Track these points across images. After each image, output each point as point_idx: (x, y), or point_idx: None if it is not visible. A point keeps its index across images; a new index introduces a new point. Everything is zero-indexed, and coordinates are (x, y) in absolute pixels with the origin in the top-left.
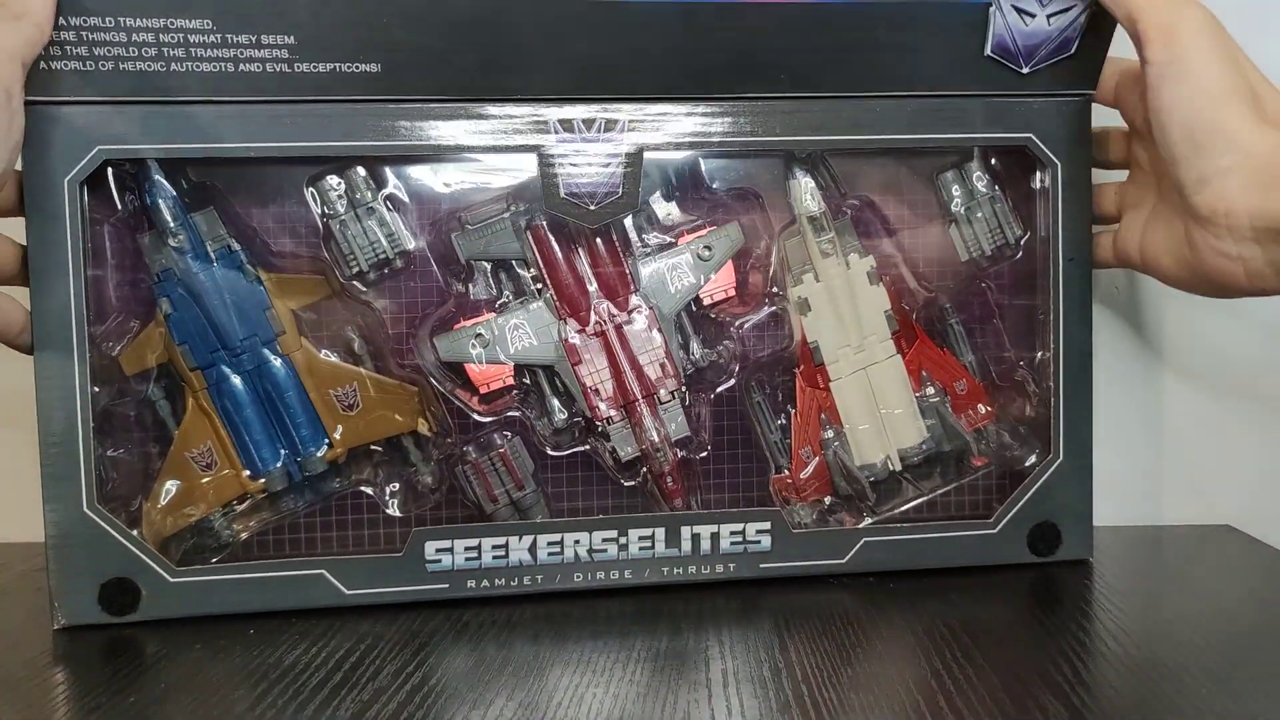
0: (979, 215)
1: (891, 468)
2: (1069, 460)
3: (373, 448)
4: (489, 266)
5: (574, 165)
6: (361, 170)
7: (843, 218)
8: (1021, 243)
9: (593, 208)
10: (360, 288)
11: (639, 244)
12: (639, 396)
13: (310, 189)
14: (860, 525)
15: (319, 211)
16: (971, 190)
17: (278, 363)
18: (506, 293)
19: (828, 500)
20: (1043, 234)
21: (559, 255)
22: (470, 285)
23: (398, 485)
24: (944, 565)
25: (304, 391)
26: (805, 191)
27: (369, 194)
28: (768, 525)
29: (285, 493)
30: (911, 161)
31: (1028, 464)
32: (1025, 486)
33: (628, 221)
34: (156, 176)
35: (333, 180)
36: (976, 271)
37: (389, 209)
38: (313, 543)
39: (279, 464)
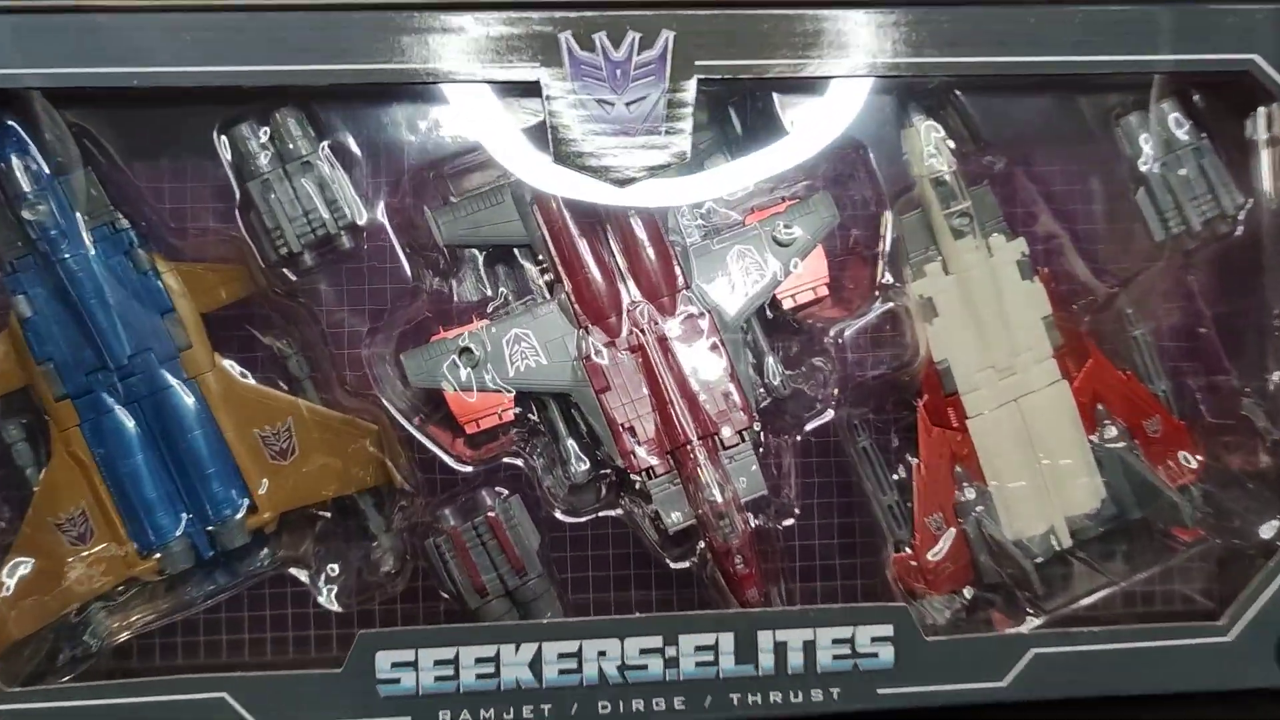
0: (1180, 174)
1: (1057, 545)
2: None
3: (316, 512)
4: (480, 256)
5: (596, 102)
6: (293, 111)
7: (982, 184)
8: (1242, 214)
9: (617, 160)
10: (291, 277)
11: (692, 223)
12: (693, 438)
13: (222, 137)
14: (1024, 629)
15: (233, 168)
16: (1168, 139)
17: (180, 389)
18: (505, 292)
19: (968, 592)
20: (1270, 202)
21: (579, 239)
22: (454, 281)
23: (337, 568)
24: (1156, 690)
25: (217, 430)
26: (928, 144)
27: (304, 144)
28: (888, 629)
29: (188, 575)
30: (1081, 98)
31: (1266, 537)
32: (1273, 568)
33: (676, 191)
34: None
35: (252, 125)
36: (1177, 258)
37: (332, 165)
38: (214, 649)
39: (179, 533)
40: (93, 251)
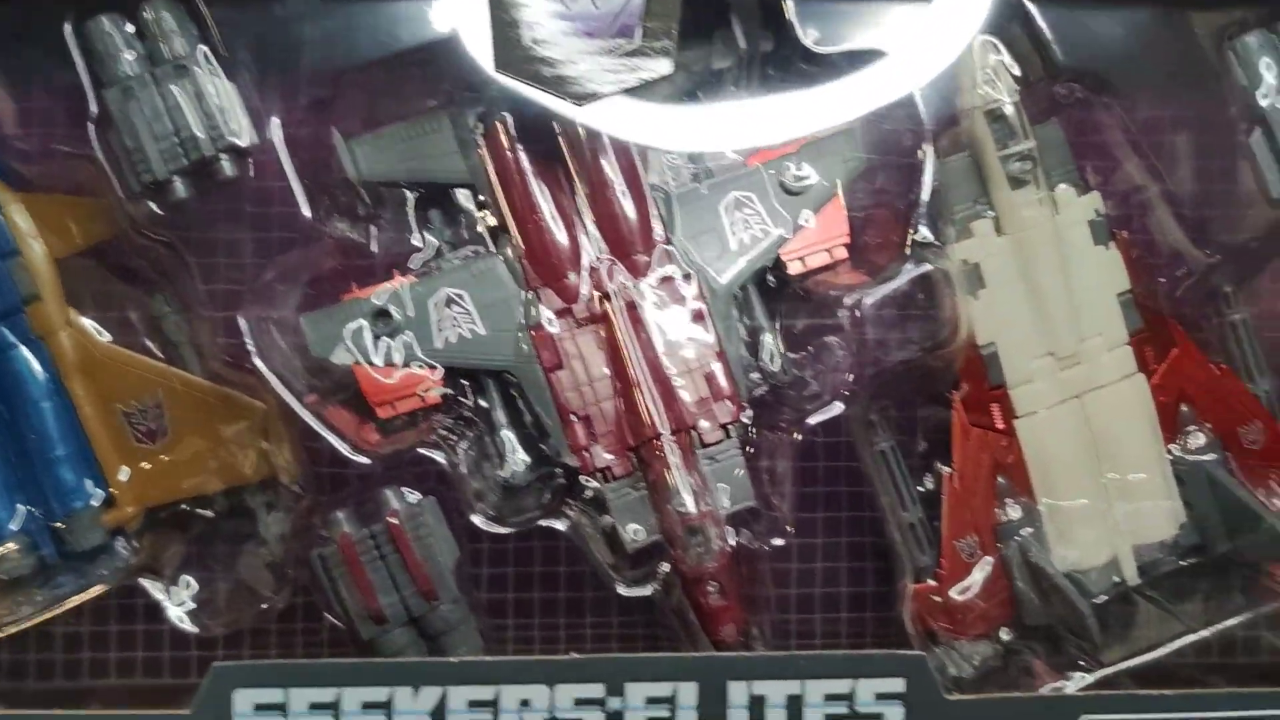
0: None
1: (1121, 580)
2: None
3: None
4: (411, 199)
5: None
6: (168, 2)
7: (1051, 121)
8: None
9: (579, 70)
10: (158, 210)
11: (679, 161)
12: (664, 432)
13: (74, 31)
14: (1070, 686)
15: (89, 73)
16: None
17: (24, 351)
18: (437, 243)
19: (1004, 636)
20: None
21: (533, 179)
22: (372, 228)
23: (192, 580)
24: None
25: (69, 403)
26: (984, 66)
27: (180, 42)
28: (899, 685)
29: (27, 580)
30: (1187, 13)
31: None
32: None
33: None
34: None
35: (115, 19)
36: None
37: (213, 71)
38: (47, 670)
39: (16, 529)
40: None
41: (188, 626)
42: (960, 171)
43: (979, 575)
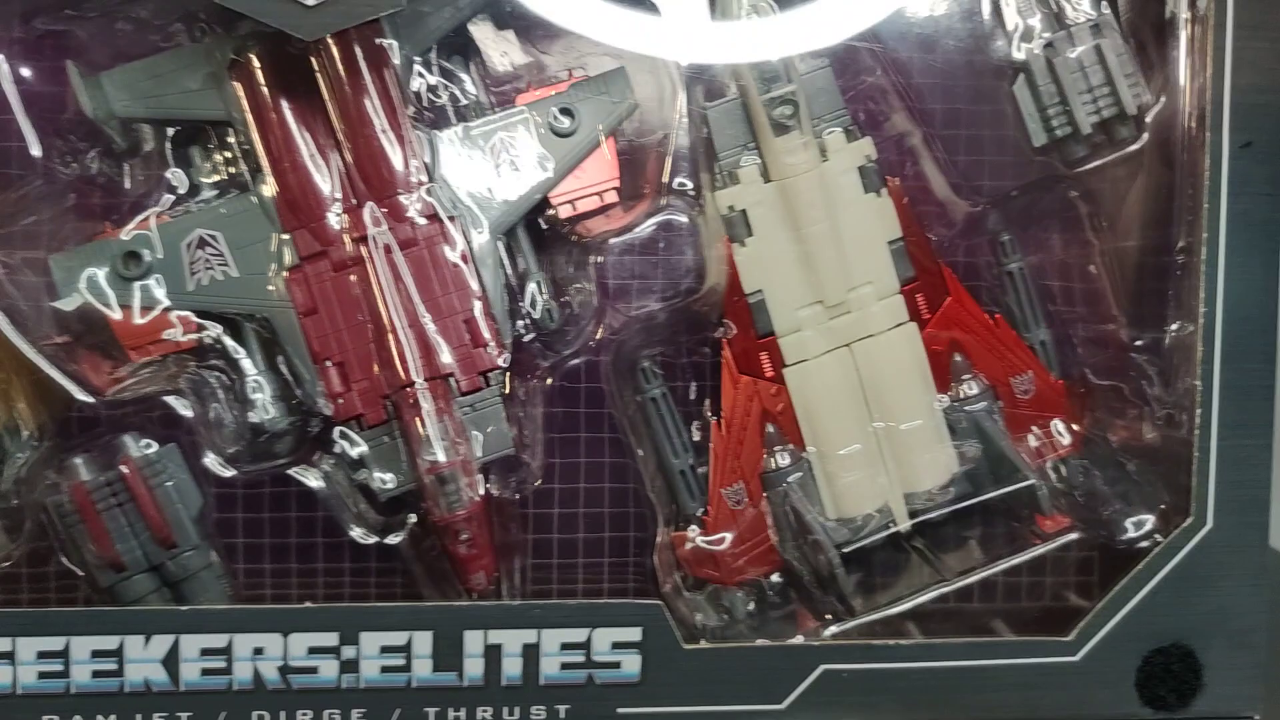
0: (1070, 58)
1: (893, 527)
2: (1225, 528)
3: None
4: (169, 133)
5: None
6: None
7: (819, 64)
8: (1149, 118)
9: (310, 1)
10: None
11: (439, 100)
12: (418, 379)
13: None
14: (822, 636)
15: None
16: (1058, 12)
17: None
18: (194, 180)
19: (775, 579)
20: (1189, 104)
21: (288, 118)
22: (125, 165)
23: None
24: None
25: None
26: (743, 5)
27: None
28: (635, 633)
29: None
30: None
31: (1139, 533)
32: (1137, 577)
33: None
34: None
35: None
36: (1061, 169)
37: None
38: None
39: None
40: None
41: None
42: (726, 115)
43: (746, 525)
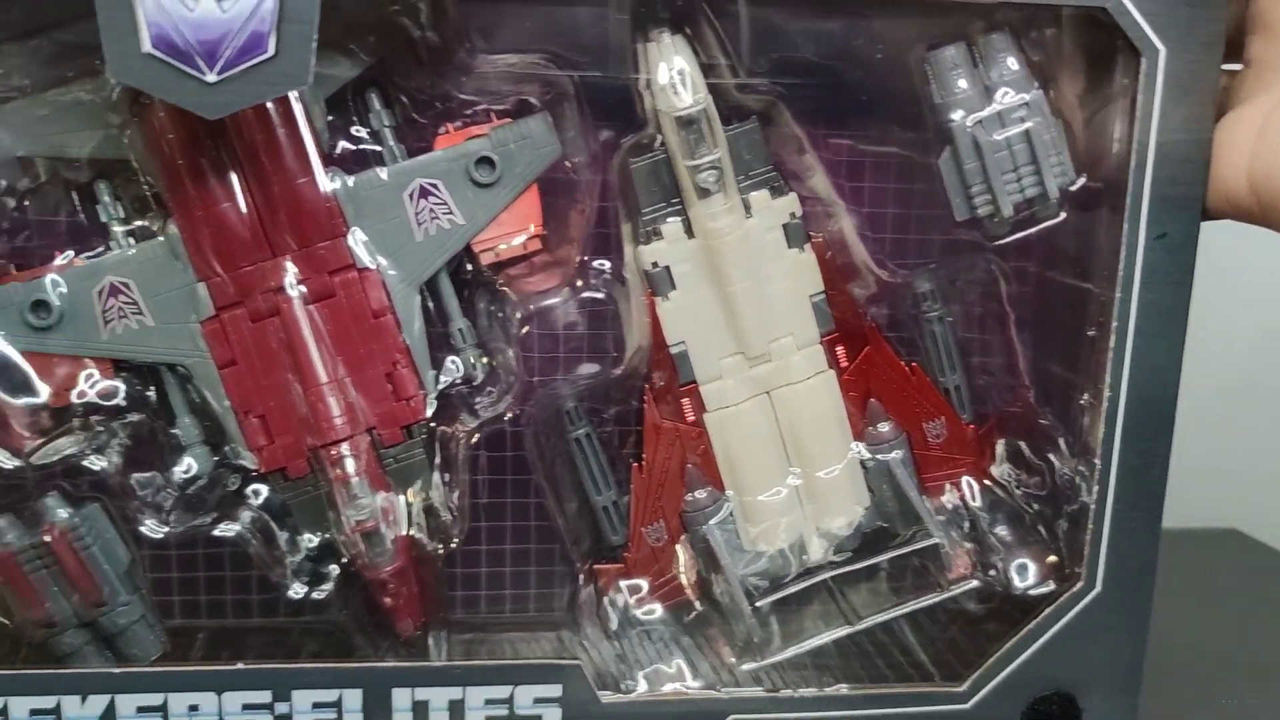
0: (997, 138)
1: (806, 568)
2: (1112, 591)
3: None
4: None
5: None
6: None
7: (747, 124)
8: (1070, 193)
9: (211, 79)
10: None
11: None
12: (340, 436)
13: None
14: (720, 693)
15: None
16: (988, 86)
17: None
18: (107, 216)
19: (697, 606)
20: (1110, 177)
21: (191, 156)
22: (27, 202)
23: None
24: None
25: None
26: (672, 68)
27: None
28: (556, 690)
29: None
30: (886, 20)
31: (1031, 586)
32: (1032, 631)
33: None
34: None
35: None
36: (982, 241)
37: None
38: None
39: None
40: None
41: None
42: (649, 174)
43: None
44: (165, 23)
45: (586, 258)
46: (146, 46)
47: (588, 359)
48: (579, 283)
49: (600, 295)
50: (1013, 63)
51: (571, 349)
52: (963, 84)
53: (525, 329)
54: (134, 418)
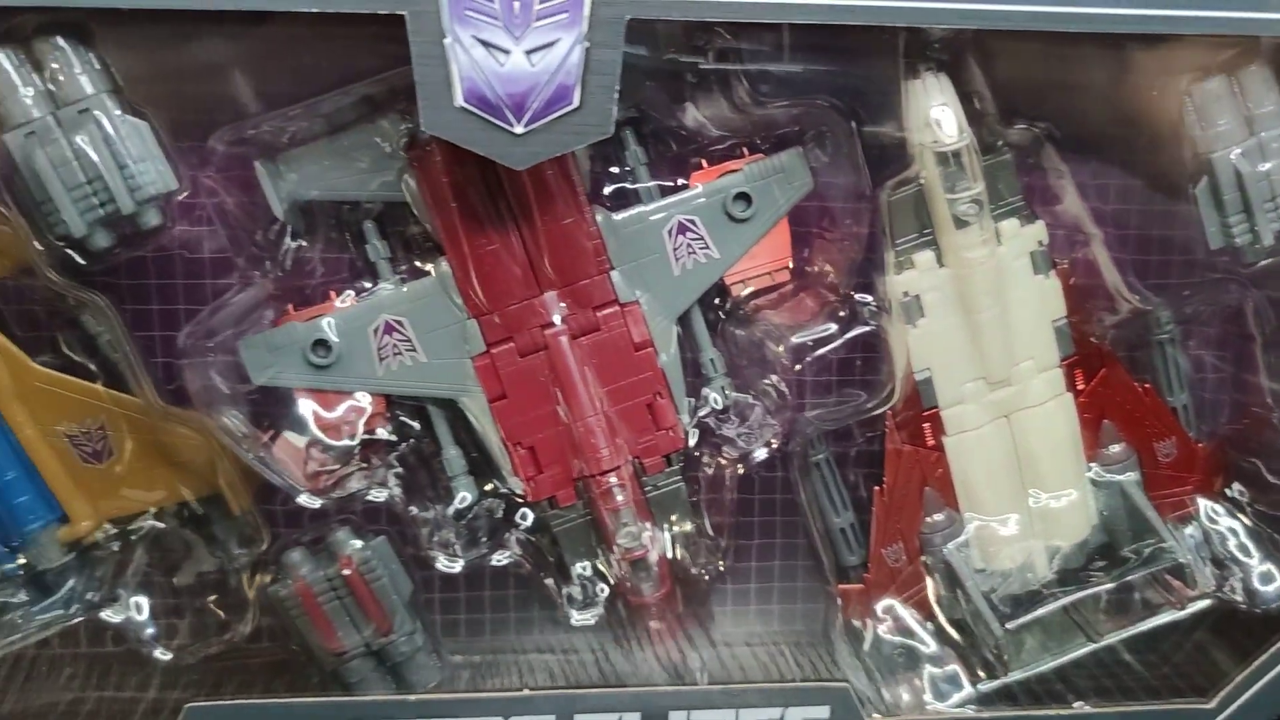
0: (1261, 169)
1: (1045, 593)
2: None
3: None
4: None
5: (485, 44)
6: (61, 40)
7: (1001, 153)
8: None
9: (519, 130)
10: (81, 260)
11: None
12: (608, 465)
13: None
14: (967, 692)
15: None
16: (1254, 117)
17: None
18: (378, 261)
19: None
20: None
21: (465, 197)
22: (303, 242)
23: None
24: None
25: (6, 430)
26: (934, 105)
27: (85, 82)
28: (824, 711)
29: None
30: (1141, 53)
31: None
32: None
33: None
34: None
35: (7, 54)
36: (1233, 267)
37: (127, 111)
38: None
39: None
40: None
41: (159, 653)
42: (906, 205)
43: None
44: (477, 77)
45: (848, 291)
46: (459, 100)
47: (844, 386)
48: (843, 313)
49: (864, 326)
50: (1274, 95)
51: (826, 377)
52: (1224, 117)
53: (783, 358)
54: (402, 450)
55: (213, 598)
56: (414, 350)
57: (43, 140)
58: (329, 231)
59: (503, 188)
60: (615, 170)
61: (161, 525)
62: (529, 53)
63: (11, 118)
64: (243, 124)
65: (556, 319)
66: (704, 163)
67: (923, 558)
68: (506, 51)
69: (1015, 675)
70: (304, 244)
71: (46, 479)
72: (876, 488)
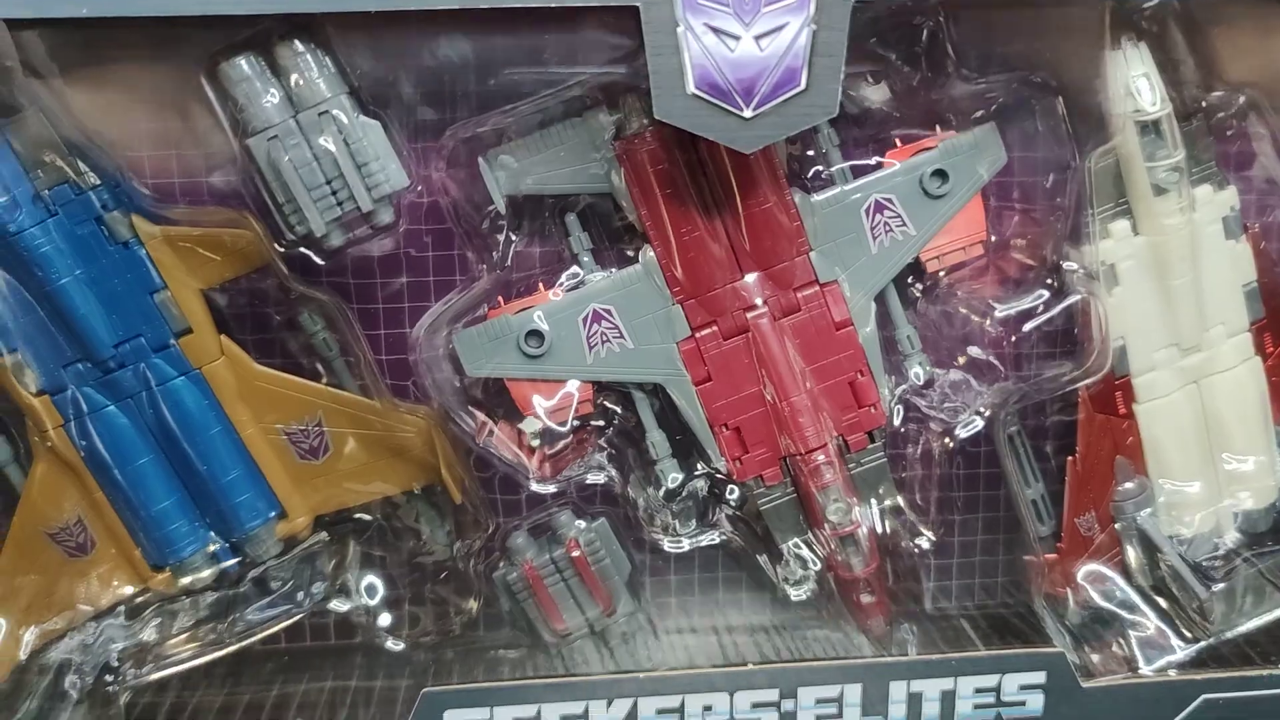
0: None
1: (1218, 545)
2: None
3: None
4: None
5: (716, 31)
6: (299, 44)
7: (1196, 120)
8: None
9: (748, 114)
10: (318, 259)
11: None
12: (813, 444)
13: (209, 82)
14: (1176, 656)
15: (228, 121)
16: None
17: (184, 382)
18: (581, 253)
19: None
20: None
21: (671, 186)
22: (512, 236)
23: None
24: None
25: (230, 429)
26: (1135, 74)
27: (323, 85)
28: (1040, 677)
29: (229, 602)
30: None
31: None
32: None
33: None
34: None
35: (252, 60)
36: None
37: (361, 112)
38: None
39: (198, 546)
40: (53, 218)
41: (390, 643)
42: (1105, 174)
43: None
44: (708, 64)
45: (1056, 261)
46: (691, 88)
47: (1048, 358)
48: (1051, 282)
49: (1071, 295)
50: None
51: (1027, 349)
52: None
53: (990, 329)
54: (609, 435)
55: (438, 585)
56: (621, 337)
57: (285, 143)
58: (535, 225)
59: (707, 174)
60: (810, 153)
61: (380, 519)
62: (758, 38)
63: (255, 123)
64: (470, 121)
65: (759, 301)
66: (898, 141)
67: (1115, 525)
68: (737, 37)
69: (1223, 634)
70: (516, 237)
71: (266, 476)
72: (1069, 458)
